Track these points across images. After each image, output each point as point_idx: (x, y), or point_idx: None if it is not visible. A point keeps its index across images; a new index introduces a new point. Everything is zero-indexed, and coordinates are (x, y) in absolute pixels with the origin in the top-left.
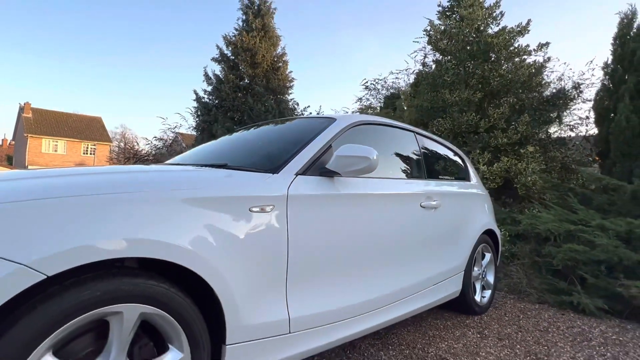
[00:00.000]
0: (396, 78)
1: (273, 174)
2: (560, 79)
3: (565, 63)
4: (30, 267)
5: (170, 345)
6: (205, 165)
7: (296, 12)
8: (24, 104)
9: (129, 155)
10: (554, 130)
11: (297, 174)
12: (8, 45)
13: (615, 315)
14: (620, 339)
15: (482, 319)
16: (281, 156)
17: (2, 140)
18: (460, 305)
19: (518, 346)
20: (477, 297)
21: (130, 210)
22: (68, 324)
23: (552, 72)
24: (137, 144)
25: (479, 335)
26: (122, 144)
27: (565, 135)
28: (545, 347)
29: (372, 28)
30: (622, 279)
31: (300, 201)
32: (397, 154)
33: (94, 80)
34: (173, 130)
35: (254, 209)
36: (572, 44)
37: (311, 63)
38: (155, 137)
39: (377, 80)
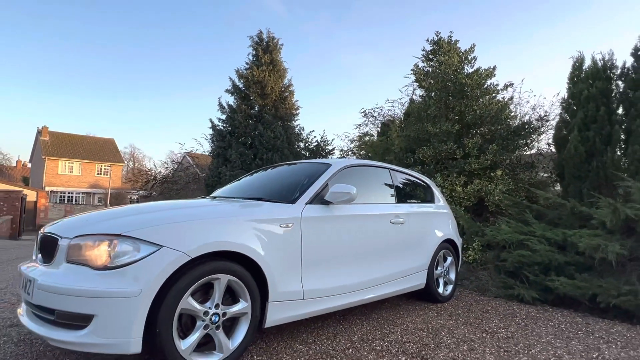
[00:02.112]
0: (392, 106)
1: (292, 204)
2: (533, 109)
3: (535, 95)
4: (185, 253)
5: (240, 299)
6: (249, 199)
7: (298, 38)
8: (42, 128)
9: (149, 177)
10: (528, 152)
11: (306, 203)
12: (27, 75)
13: (545, 303)
14: (539, 316)
15: (443, 306)
16: (296, 192)
17: (17, 161)
18: (427, 295)
19: (460, 319)
20: (440, 290)
21: (222, 227)
22: (198, 282)
23: (528, 102)
24: (155, 166)
25: (435, 314)
26: (131, 164)
27: (535, 155)
28: (480, 320)
29: (371, 48)
30: (552, 276)
31: (309, 220)
32: (375, 186)
33: (106, 103)
34: (189, 154)
35: (282, 225)
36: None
37: (314, 86)
38: (172, 160)
39: (374, 109)
